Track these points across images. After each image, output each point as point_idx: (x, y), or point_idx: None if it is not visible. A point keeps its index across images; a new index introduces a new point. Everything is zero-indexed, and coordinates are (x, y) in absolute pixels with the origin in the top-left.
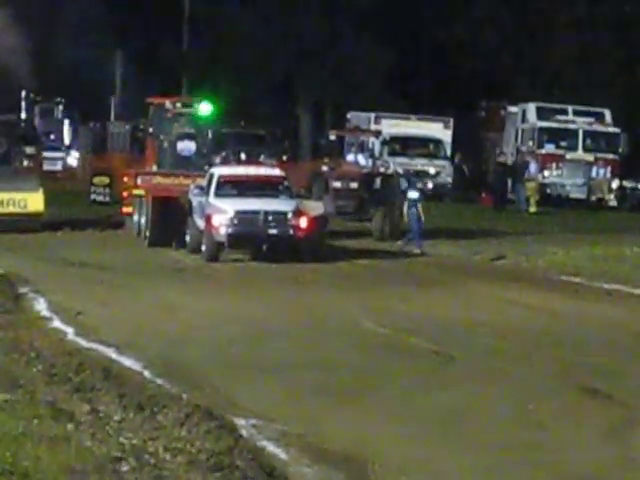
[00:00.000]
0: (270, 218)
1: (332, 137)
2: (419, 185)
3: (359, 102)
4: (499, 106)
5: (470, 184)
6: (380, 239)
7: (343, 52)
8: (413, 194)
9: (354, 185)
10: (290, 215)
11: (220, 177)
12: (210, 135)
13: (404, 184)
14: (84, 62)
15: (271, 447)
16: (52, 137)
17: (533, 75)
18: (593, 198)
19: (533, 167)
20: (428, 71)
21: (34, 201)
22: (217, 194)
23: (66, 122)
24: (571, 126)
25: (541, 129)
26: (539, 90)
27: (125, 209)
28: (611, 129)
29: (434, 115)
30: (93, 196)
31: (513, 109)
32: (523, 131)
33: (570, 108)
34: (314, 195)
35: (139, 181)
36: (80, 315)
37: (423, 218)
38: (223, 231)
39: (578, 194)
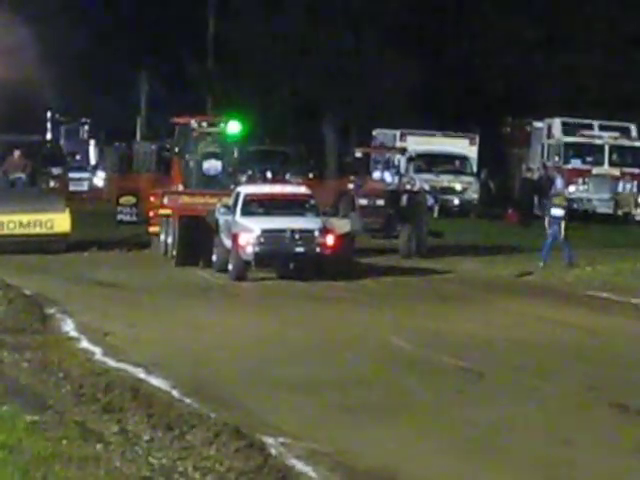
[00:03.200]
0: (297, 236)
1: (358, 155)
2: (564, 203)
3: (384, 119)
4: (524, 122)
5: (496, 200)
6: (407, 256)
7: (367, 69)
8: (558, 211)
9: (380, 202)
10: (317, 233)
11: (246, 196)
12: (236, 154)
13: (430, 201)
14: (109, 83)
15: (300, 466)
16: (78, 158)
17: (558, 90)
18: (620, 213)
19: (559, 182)
20: (453, 87)
21: (60, 222)
22: (243, 213)
23: (92, 142)
24: (597, 141)
25: (567, 144)
26: (564, 105)
27: (152, 229)
28: (637, 143)
29: (459, 132)
30: (120, 216)
31: (538, 125)
32: (549, 147)
33: (596, 123)
34: (340, 213)
35: (165, 201)
36: (108, 335)
37: (563, 235)
38: (250, 250)
39: (605, 209)
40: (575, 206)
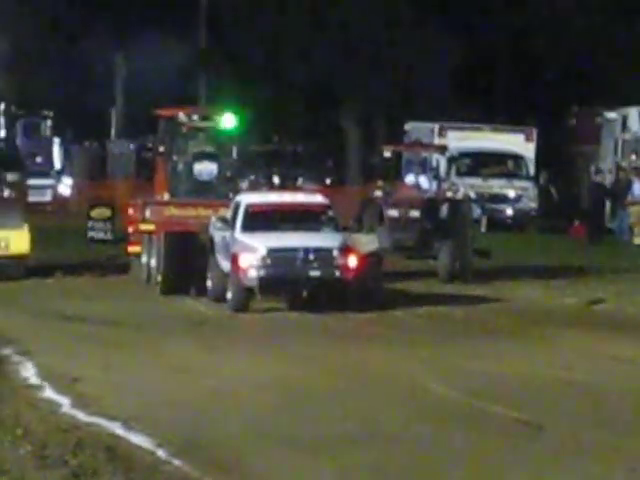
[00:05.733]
0: (311, 257)
1: (387, 154)
2: None
3: (419, 109)
4: (594, 112)
5: (559, 210)
6: (447, 281)
7: (399, 47)
8: None
9: (415, 214)
10: (336, 252)
11: (248, 207)
12: (235, 154)
13: (476, 211)
14: (77, 68)
15: None
16: (39, 160)
17: (636, 72)
18: None
19: (638, 187)
20: (505, 70)
21: (17, 241)
22: (245, 228)
23: (56, 141)
24: None
25: None
26: None
27: (131, 248)
28: None
29: (513, 125)
30: (91, 233)
31: (611, 115)
32: (624, 143)
33: None
34: (365, 227)
35: (148, 213)
36: (77, 382)
37: None
38: (253, 274)
39: None
40: None
